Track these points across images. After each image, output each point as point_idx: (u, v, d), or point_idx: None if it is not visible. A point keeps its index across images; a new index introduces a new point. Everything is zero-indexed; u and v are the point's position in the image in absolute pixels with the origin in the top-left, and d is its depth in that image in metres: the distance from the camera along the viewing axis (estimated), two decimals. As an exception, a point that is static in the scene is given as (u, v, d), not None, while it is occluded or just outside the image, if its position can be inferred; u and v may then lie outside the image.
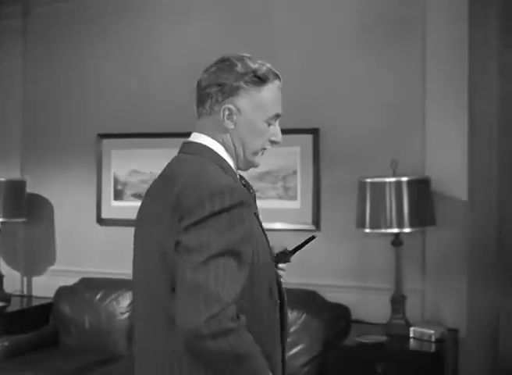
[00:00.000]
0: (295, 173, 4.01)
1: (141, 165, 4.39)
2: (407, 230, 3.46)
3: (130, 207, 4.41)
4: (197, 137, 1.88)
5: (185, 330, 1.60)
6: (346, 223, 3.74)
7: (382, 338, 3.42)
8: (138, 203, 4.16)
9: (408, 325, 3.54)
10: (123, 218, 4.42)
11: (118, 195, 4.47)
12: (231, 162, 1.87)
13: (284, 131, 1.90)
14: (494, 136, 3.76)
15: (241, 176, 1.95)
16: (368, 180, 3.52)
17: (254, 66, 1.84)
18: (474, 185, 3.73)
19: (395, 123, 3.82)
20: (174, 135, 4.28)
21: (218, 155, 1.85)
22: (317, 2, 4.03)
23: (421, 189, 3.53)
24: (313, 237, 2.05)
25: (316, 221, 3.95)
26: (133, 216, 4.18)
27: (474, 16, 3.71)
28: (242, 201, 1.71)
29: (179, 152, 1.90)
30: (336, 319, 3.76)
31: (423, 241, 3.75)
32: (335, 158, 3.93)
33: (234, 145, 1.86)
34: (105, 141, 4.48)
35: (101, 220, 4.51)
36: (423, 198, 3.53)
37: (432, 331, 3.40)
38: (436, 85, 3.72)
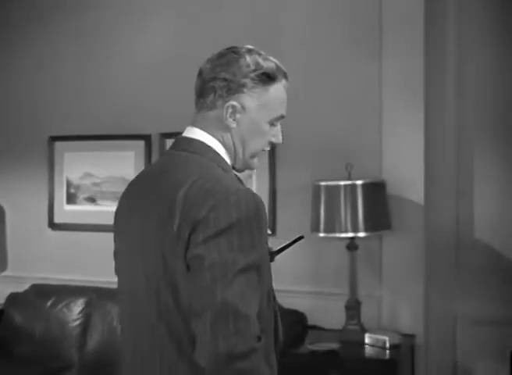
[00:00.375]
0: (251, 176, 3.93)
1: (95, 167, 4.27)
2: (361, 234, 3.39)
3: (83, 211, 4.31)
4: (195, 133, 1.77)
5: (215, 352, 1.51)
6: (301, 227, 3.65)
7: (335, 345, 3.35)
8: (91, 207, 4.27)
9: (363, 331, 3.47)
10: (76, 222, 4.31)
11: (71, 199, 4.35)
12: (229, 163, 1.79)
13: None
14: (450, 138, 3.71)
15: (237, 177, 1.84)
16: (323, 183, 3.44)
17: (263, 62, 1.75)
18: (431, 189, 3.69)
19: (351, 125, 3.75)
20: (129, 137, 4.20)
21: (219, 155, 1.76)
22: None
23: (376, 192, 3.46)
24: (301, 237, 1.98)
25: (272, 225, 3.86)
26: (86, 220, 4.27)
27: (431, 16, 3.67)
28: (258, 208, 1.62)
29: (174, 149, 1.80)
30: (291, 325, 3.67)
31: (379, 245, 3.68)
32: (291, 161, 3.84)
33: (234, 145, 1.77)
34: (58, 144, 4.35)
35: (53, 225, 4.38)
36: (378, 202, 3.46)
37: (386, 337, 3.34)
38: (393, 87, 3.65)
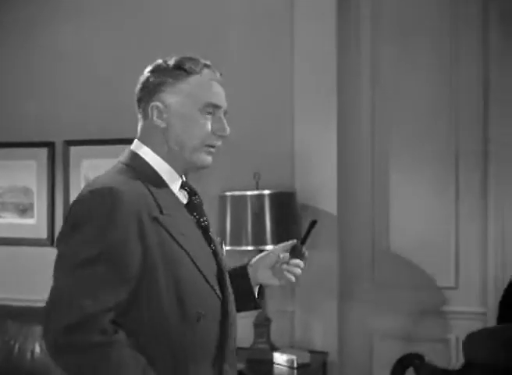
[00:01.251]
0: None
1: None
2: (269, 247, 3.21)
3: (-19, 224, 4.03)
4: (133, 144, 1.80)
5: (45, 337, 1.55)
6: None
7: (241, 365, 3.16)
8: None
9: (273, 349, 3.30)
10: (-27, 236, 4.03)
11: (-32, 211, 4.07)
12: (166, 167, 1.76)
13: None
14: (365, 147, 3.59)
15: (185, 182, 1.83)
16: (228, 193, 3.26)
17: (178, 59, 1.78)
18: (345, 199, 3.55)
19: (262, 134, 3.59)
20: (31, 145, 3.95)
21: (146, 162, 1.75)
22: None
23: (286, 203, 3.30)
24: (315, 222, 1.98)
25: (181, 238, 3.66)
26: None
27: (343, 23, 3.55)
28: (114, 206, 1.60)
29: None
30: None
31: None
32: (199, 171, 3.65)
33: (170, 147, 1.75)
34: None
35: None
36: (288, 213, 3.29)
37: (294, 356, 3.16)
38: (305, 95, 3.51)
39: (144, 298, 1.63)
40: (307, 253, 1.99)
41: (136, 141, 1.80)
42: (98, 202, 1.60)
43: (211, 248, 1.82)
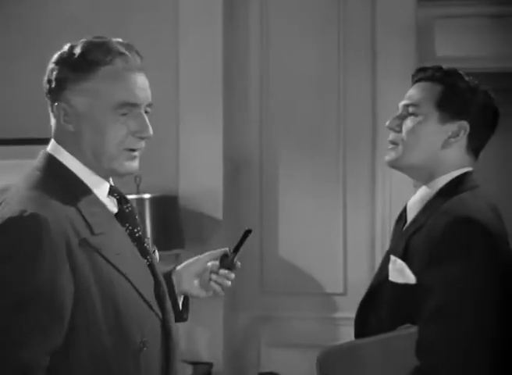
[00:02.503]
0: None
1: None
2: (149, 254, 3.07)
3: None
4: (49, 144, 1.54)
5: None
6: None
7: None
8: None
9: (155, 362, 3.15)
10: None
11: None
12: (88, 172, 1.51)
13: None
14: (254, 148, 3.51)
15: (113, 188, 1.58)
16: (106, 197, 3.11)
17: (85, 46, 1.48)
18: (232, 203, 3.46)
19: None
20: None
21: (66, 169, 1.50)
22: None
23: (168, 208, 3.18)
24: (249, 231, 1.75)
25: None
26: None
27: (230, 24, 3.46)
28: (44, 237, 1.37)
29: None
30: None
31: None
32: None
33: (85, 154, 1.49)
34: None
35: None
36: (170, 218, 3.18)
37: (174, 369, 3.03)
38: (191, 94, 3.40)
39: (81, 331, 1.43)
40: (239, 264, 1.78)
41: (52, 141, 1.54)
42: (21, 236, 1.38)
43: (147, 261, 1.61)
